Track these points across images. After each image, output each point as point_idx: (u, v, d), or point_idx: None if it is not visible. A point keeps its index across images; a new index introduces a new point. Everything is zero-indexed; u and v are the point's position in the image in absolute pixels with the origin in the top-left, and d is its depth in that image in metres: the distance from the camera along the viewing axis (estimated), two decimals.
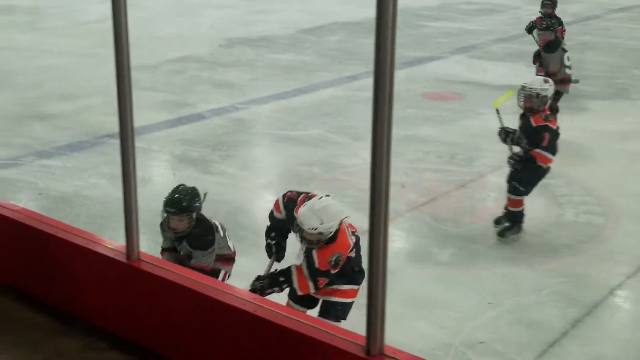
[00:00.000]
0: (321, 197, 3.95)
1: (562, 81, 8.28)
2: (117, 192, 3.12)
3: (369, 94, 2.37)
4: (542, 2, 10.08)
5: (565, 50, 8.56)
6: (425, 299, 4.99)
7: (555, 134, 5.81)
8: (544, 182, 6.81)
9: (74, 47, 12.62)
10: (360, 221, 5.51)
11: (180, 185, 4.28)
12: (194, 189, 4.28)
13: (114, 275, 3.12)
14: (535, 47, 9.23)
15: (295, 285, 3.92)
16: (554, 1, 10.00)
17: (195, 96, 9.75)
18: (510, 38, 14.21)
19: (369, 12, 2.36)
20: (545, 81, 5.85)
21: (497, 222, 5.94)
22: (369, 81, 2.36)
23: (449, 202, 6.48)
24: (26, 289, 3.43)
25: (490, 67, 11.65)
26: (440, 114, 9.04)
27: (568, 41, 13.80)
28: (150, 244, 5.47)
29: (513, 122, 6.01)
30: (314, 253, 3.85)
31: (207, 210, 6.06)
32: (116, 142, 3.07)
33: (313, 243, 3.84)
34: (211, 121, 8.61)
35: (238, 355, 2.84)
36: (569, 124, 8.70)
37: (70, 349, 3.11)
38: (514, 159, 5.78)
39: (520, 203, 5.88)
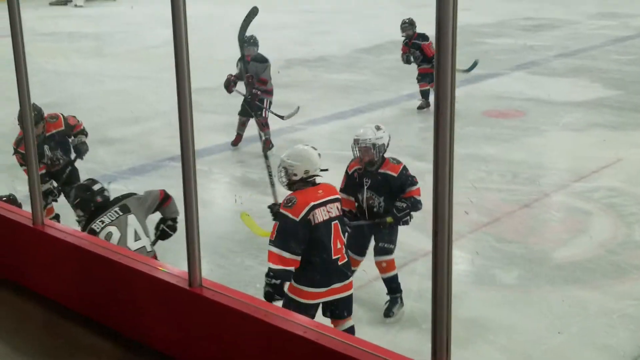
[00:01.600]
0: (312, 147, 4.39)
1: (271, 92, 8.48)
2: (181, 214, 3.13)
3: (427, 112, 2.33)
4: (401, 25, 10.10)
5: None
6: (491, 323, 4.88)
7: None
8: (610, 201, 6.66)
9: (137, 72, 12.88)
10: (423, 243, 5.48)
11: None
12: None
13: (176, 301, 3.12)
14: None
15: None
16: (412, 22, 9.97)
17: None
18: (571, 53, 13.99)
19: (427, 30, 2.33)
20: (378, 128, 5.17)
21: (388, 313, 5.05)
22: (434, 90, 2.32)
23: (513, 223, 6.35)
24: (93, 316, 3.47)
25: (551, 83, 11.46)
26: (501, 132, 8.92)
27: (632, 55, 13.59)
28: (212, 268, 5.51)
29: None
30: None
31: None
32: (178, 165, 3.09)
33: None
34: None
35: None
36: (632, 140, 8.51)
37: None
38: (402, 215, 5.02)
39: (394, 262, 5.10)
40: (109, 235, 4.46)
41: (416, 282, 5.38)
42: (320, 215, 4.14)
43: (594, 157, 7.85)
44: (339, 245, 4.20)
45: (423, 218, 6.06)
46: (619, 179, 7.18)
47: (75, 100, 10.68)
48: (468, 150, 7.93)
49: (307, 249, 4.10)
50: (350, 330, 4.39)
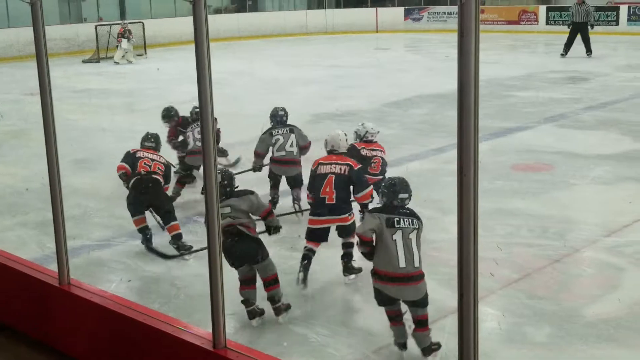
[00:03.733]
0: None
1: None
2: (206, 270, 3.11)
3: (456, 166, 2.32)
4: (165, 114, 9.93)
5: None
6: None
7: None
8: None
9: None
10: (452, 299, 5.40)
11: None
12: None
13: None
14: None
15: None
16: (177, 114, 9.87)
17: None
18: (600, 106, 13.94)
19: (455, 83, 2.34)
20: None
21: None
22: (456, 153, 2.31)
23: (543, 279, 6.25)
24: None
25: (580, 136, 11.40)
26: (529, 186, 8.84)
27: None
28: (239, 326, 5.46)
29: None
30: None
31: (297, 289, 6.07)
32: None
33: None
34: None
35: None
36: None
37: None
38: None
39: None
40: (277, 140, 7.92)
41: (445, 340, 5.29)
42: (323, 169, 6.24)
43: (625, 211, 7.74)
44: (327, 189, 6.13)
45: (452, 274, 6.01)
46: None
47: (106, 157, 10.78)
48: (497, 205, 7.87)
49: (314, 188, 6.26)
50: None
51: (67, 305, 3.68)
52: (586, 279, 6.34)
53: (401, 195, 5.07)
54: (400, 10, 33.70)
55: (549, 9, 30.02)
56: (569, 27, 21.45)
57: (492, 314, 5.65)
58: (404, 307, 5.02)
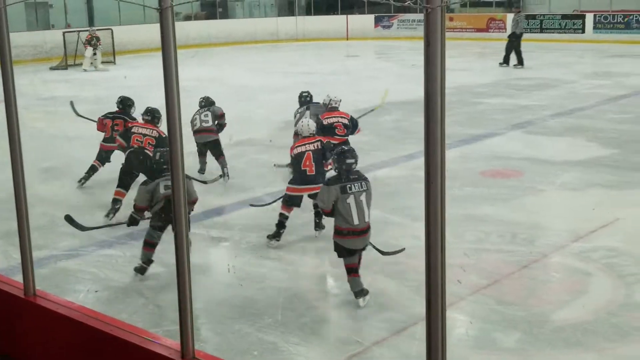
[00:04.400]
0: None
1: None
2: (174, 279, 3.08)
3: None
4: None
5: None
6: None
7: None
8: (609, 261, 6.61)
9: None
10: (421, 306, 5.41)
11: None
12: None
13: None
14: None
15: None
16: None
17: (254, 180, 9.81)
18: (567, 112, 14.11)
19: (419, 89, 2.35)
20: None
21: None
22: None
23: (513, 284, 6.30)
24: None
25: (548, 143, 11.52)
26: (499, 192, 8.91)
27: (627, 114, 13.71)
28: (209, 335, 5.44)
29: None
30: None
31: (268, 297, 6.06)
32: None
33: None
34: (269, 205, 8.62)
35: None
36: (630, 199, 8.50)
37: None
38: None
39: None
40: (295, 118, 9.63)
41: (415, 347, 5.31)
42: (300, 149, 7.32)
43: (592, 216, 7.82)
44: (307, 163, 7.23)
45: (422, 281, 6.02)
46: (618, 239, 7.14)
47: (73, 165, 10.69)
48: (466, 211, 7.92)
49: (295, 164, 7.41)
50: None
51: (32, 317, 3.63)
52: (554, 285, 6.39)
53: (348, 161, 6.04)
54: (371, 18, 33.86)
55: None
56: (508, 37, 21.85)
57: (461, 320, 5.67)
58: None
